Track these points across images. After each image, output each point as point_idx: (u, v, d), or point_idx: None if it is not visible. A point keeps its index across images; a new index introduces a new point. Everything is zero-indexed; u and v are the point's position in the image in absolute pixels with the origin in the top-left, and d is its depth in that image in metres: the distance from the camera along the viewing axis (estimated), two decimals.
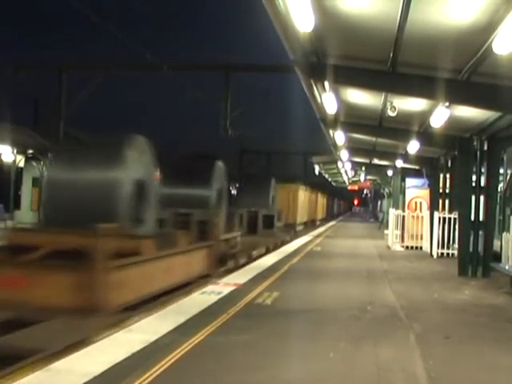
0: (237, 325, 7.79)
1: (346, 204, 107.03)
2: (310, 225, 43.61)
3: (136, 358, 5.95)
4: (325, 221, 54.43)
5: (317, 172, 43.23)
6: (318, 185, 52.17)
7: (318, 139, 30.92)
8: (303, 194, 39.57)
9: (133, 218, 11.15)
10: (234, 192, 35.67)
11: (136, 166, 11.48)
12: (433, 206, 20.84)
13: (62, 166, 11.56)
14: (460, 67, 9.31)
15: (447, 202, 20.69)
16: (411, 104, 12.66)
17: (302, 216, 39.20)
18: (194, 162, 19.28)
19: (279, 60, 21.03)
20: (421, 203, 23.66)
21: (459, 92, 10.01)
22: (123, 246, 9.13)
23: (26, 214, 27.31)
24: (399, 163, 24.96)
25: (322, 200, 55.89)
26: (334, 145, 22.99)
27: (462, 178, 14.72)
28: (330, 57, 9.97)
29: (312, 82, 12.10)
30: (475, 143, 14.41)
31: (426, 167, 23.74)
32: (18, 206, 28.30)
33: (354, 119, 16.46)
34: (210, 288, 10.93)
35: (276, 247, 22.23)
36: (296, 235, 29.59)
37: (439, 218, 18.97)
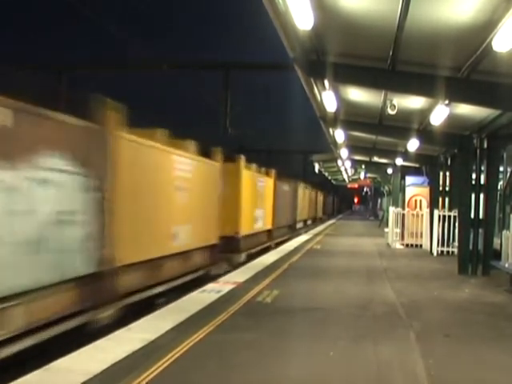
0: (237, 323, 7.80)
1: (345, 202, 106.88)
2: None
3: (136, 357, 5.96)
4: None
5: (316, 170, 43.20)
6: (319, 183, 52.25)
7: (318, 137, 30.89)
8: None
9: None
10: None
11: None
12: (433, 204, 20.83)
13: None
14: (460, 65, 9.30)
15: (447, 199, 20.67)
16: (411, 102, 12.65)
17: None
18: None
19: (279, 58, 21.05)
20: (421, 201, 23.67)
21: (459, 90, 10.00)
22: None
23: None
24: (399, 161, 24.94)
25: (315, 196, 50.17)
26: (334, 143, 22.96)
27: (462, 175, 14.71)
28: (329, 55, 9.94)
29: (312, 80, 12.09)
30: (475, 141, 14.39)
31: (426, 165, 23.72)
32: None
33: (353, 117, 16.43)
34: (209, 286, 10.94)
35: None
36: None
37: (439, 216, 18.97)
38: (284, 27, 8.45)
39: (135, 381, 5.22)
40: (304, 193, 38.70)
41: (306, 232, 31.88)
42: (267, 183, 23.69)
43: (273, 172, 25.09)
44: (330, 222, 50.60)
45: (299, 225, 35.58)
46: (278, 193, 25.59)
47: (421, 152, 19.96)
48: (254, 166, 20.87)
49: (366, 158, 30.44)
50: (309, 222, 42.61)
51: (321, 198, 56.77)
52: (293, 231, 31.24)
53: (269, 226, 23.70)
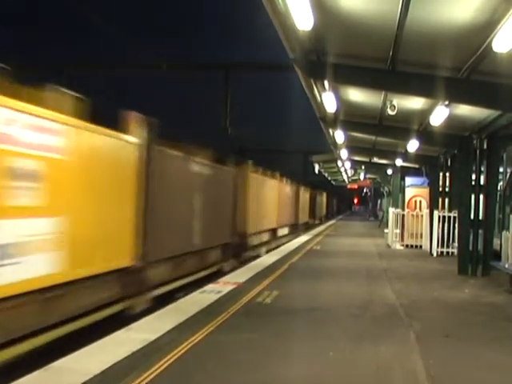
0: (237, 324, 7.80)
1: (345, 202, 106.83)
2: None
3: (136, 357, 5.96)
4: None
5: (316, 171, 43.19)
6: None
7: (318, 138, 30.92)
8: None
9: None
10: None
11: None
12: (432, 205, 20.83)
13: None
14: (460, 65, 9.30)
15: (447, 200, 20.68)
16: (411, 103, 12.65)
17: None
18: None
19: (279, 58, 21.07)
20: (420, 202, 23.68)
21: (459, 90, 10.00)
22: None
23: None
24: (399, 162, 24.95)
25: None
26: (334, 144, 22.98)
27: (462, 176, 14.72)
28: (329, 55, 9.94)
29: (311, 80, 12.09)
30: (475, 142, 14.40)
31: (426, 166, 23.73)
32: None
33: (353, 118, 16.44)
34: (209, 287, 10.95)
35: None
36: None
37: (439, 217, 18.98)
38: (284, 28, 8.45)
39: (135, 381, 5.23)
40: (264, 185, 23.42)
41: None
42: (112, 152, 9.27)
43: (140, 123, 10.19)
44: (330, 222, 50.60)
45: (258, 239, 21.79)
46: (164, 177, 11.17)
47: (421, 153, 19.97)
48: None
49: (366, 159, 30.46)
50: (281, 233, 28.26)
51: (306, 195, 40.32)
52: (238, 252, 18.09)
53: (122, 260, 9.45)
